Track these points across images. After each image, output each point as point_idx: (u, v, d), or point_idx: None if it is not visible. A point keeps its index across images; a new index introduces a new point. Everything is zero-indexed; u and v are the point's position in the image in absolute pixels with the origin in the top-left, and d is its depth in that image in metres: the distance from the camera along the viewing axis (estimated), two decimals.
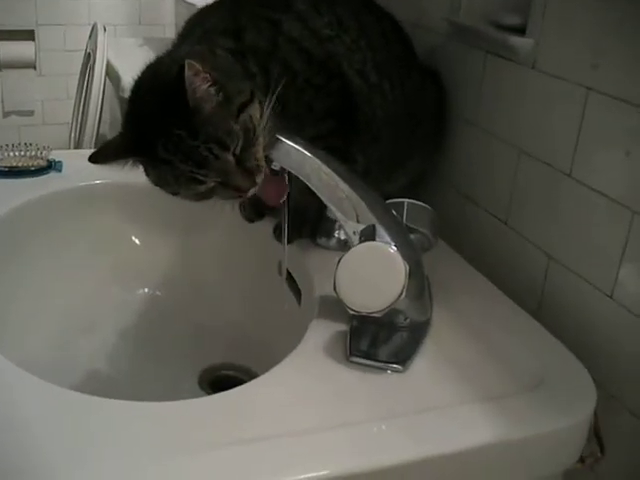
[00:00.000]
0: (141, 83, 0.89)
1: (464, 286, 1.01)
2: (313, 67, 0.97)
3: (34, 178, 1.23)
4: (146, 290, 1.24)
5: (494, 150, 1.08)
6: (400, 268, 0.78)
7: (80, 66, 2.76)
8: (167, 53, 0.91)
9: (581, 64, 0.90)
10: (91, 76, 2.41)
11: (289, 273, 1.07)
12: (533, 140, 1.01)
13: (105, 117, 2.52)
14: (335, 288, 0.80)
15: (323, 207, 1.06)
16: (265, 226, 1.13)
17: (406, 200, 0.92)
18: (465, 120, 1.15)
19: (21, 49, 3.14)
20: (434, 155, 1.19)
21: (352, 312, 0.80)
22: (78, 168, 1.24)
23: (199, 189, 0.85)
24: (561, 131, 0.95)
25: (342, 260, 0.80)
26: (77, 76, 2.80)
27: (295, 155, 0.86)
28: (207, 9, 1.02)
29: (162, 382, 1.05)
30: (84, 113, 2.41)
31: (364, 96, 1.03)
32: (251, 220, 1.15)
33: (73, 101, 2.82)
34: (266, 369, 0.81)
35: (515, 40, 1.01)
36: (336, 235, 1.08)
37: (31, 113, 3.25)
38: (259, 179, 0.86)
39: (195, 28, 0.97)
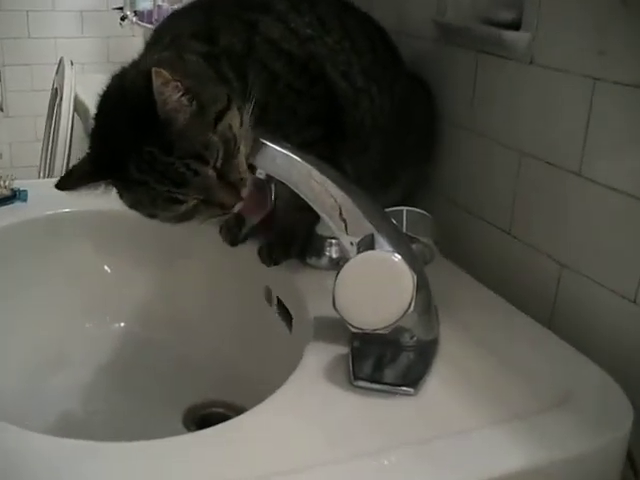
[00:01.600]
0: (106, 97, 0.81)
1: (470, 300, 0.93)
2: (294, 69, 0.90)
3: None
4: (122, 324, 1.16)
5: (492, 155, 1.01)
6: (407, 278, 0.70)
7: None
8: (133, 63, 0.83)
9: (585, 53, 0.84)
10: (59, 112, 2.32)
11: (278, 298, 0.99)
12: (535, 140, 0.94)
13: (75, 154, 2.44)
14: (334, 305, 0.71)
15: (312, 223, 1.00)
16: (249, 248, 1.04)
17: (405, 208, 0.84)
18: (458, 126, 1.08)
19: None
20: (426, 165, 1.12)
21: (355, 330, 0.71)
22: (44, 197, 1.16)
23: (179, 210, 0.77)
24: (567, 128, 0.88)
25: (341, 273, 0.72)
26: (45, 117, 2.72)
27: (282, 160, 0.78)
28: (177, 14, 0.95)
29: (142, 423, 0.96)
30: (52, 151, 2.32)
31: (350, 100, 0.95)
32: (233, 243, 1.07)
33: (41, 143, 2.74)
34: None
35: (509, 35, 0.94)
36: (327, 253, 1.00)
37: None
38: (244, 193, 0.79)
39: (163, 34, 0.89)
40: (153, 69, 0.69)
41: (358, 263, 0.72)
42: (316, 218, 0.98)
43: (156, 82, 0.70)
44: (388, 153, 1.02)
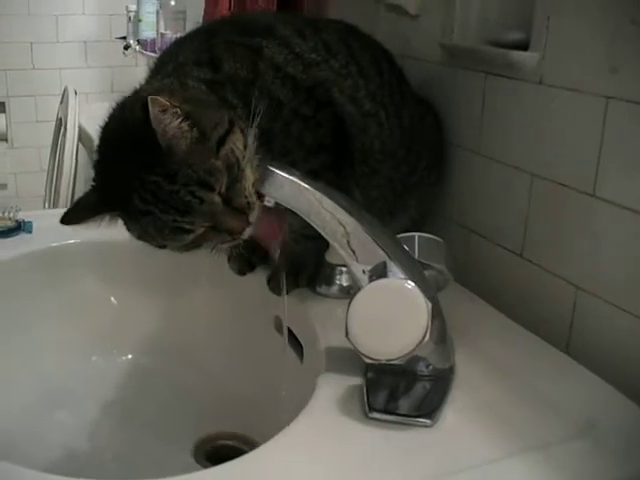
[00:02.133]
0: (107, 128, 0.80)
1: (485, 326, 0.91)
2: (299, 95, 0.88)
3: (2, 240, 1.12)
4: (129, 356, 1.14)
5: (503, 177, 0.99)
6: (421, 306, 0.68)
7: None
8: (134, 92, 0.82)
9: (597, 71, 0.82)
10: (63, 142, 2.32)
11: (288, 328, 0.97)
12: (547, 161, 0.92)
13: (80, 184, 2.43)
14: (347, 334, 0.69)
15: (321, 251, 0.98)
16: (257, 278, 1.03)
17: (417, 234, 0.82)
18: (467, 149, 1.06)
19: None
20: (436, 189, 1.10)
21: (368, 361, 0.69)
22: (49, 228, 1.14)
23: (187, 239, 0.76)
24: (579, 147, 0.86)
25: (353, 302, 0.70)
26: (50, 148, 2.72)
27: (290, 188, 0.76)
28: (180, 41, 0.93)
29: (152, 458, 0.94)
30: (57, 181, 2.32)
31: (358, 126, 0.94)
32: (242, 272, 1.05)
33: (46, 173, 2.74)
34: (270, 436, 0.70)
35: (518, 55, 0.93)
36: (337, 282, 0.98)
37: (4, 187, 3.16)
38: (252, 217, 0.77)
39: (166, 62, 0.88)
40: (149, 98, 0.68)
41: (370, 292, 0.70)
42: (326, 246, 0.97)
43: (153, 110, 0.68)
44: (397, 178, 1.01)
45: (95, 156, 0.80)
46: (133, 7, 2.81)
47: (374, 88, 0.96)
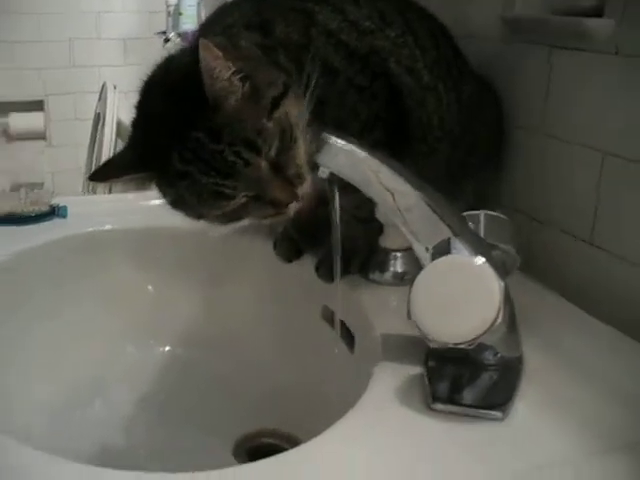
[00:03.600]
0: (150, 83, 0.74)
1: (552, 315, 0.84)
2: (354, 63, 0.82)
3: (36, 225, 1.07)
4: (167, 348, 1.08)
5: (569, 158, 0.92)
6: (493, 284, 0.61)
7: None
8: (180, 51, 0.76)
9: None
10: (101, 138, 2.28)
11: (338, 318, 0.91)
12: (622, 138, 0.84)
13: None
14: (410, 316, 0.62)
15: (374, 235, 0.91)
16: (305, 265, 0.96)
17: (482, 212, 0.74)
18: (529, 129, 0.98)
19: (30, 120, 3.04)
20: (494, 173, 1.02)
21: (434, 345, 0.62)
22: (85, 214, 1.10)
23: (227, 206, 0.69)
24: None
25: (417, 281, 0.63)
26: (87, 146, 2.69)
27: (346, 157, 0.70)
28: (227, 6, 0.87)
29: (189, 455, 0.88)
30: None
31: (416, 99, 0.87)
32: (288, 259, 0.99)
33: (83, 170, 2.71)
34: (318, 433, 0.63)
35: (591, 23, 0.86)
36: (391, 268, 0.92)
37: (41, 185, 3.14)
38: (302, 191, 0.71)
39: (213, 26, 0.82)
40: (201, 40, 0.62)
41: (435, 269, 0.63)
42: (379, 229, 0.90)
43: (204, 55, 0.63)
44: (455, 160, 0.94)
45: (134, 114, 0.74)
46: (173, 1, 2.77)
47: (431, 60, 0.90)
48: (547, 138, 0.95)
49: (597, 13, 0.86)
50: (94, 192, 2.16)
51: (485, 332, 0.60)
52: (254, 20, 0.80)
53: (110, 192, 1.67)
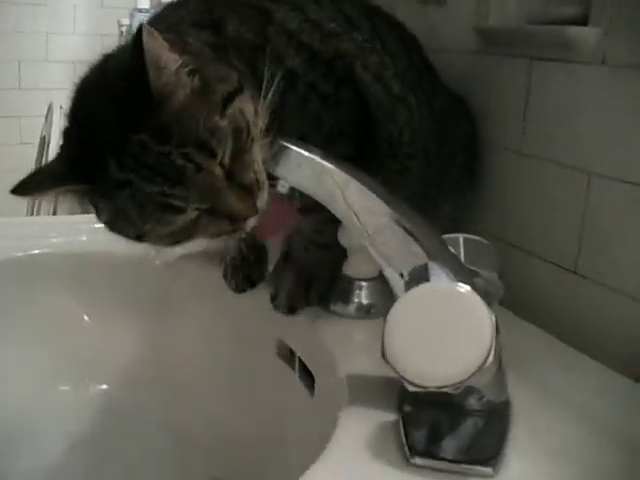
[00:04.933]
0: (84, 86, 0.65)
1: (537, 352, 0.76)
2: (317, 68, 0.74)
3: None
4: (104, 387, 0.97)
5: (552, 179, 0.84)
6: (483, 317, 0.51)
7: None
8: (118, 48, 0.67)
9: None
10: (46, 161, 2.16)
11: (295, 354, 0.81)
12: (608, 157, 0.77)
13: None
14: (384, 355, 0.53)
15: (337, 262, 0.82)
16: (259, 295, 0.87)
17: (462, 235, 0.66)
18: (506, 148, 0.90)
19: None
20: (470, 195, 0.94)
21: (413, 389, 0.52)
22: (13, 236, 0.98)
23: (175, 222, 0.59)
24: None
25: (392, 312, 0.54)
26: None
27: (309, 168, 0.60)
28: (173, 4, 0.78)
29: None
30: (39, 201, 2.15)
31: (386, 110, 0.79)
32: (241, 289, 0.89)
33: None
34: None
35: (575, 32, 0.78)
36: (356, 299, 0.82)
37: None
38: (261, 201, 0.61)
39: (156, 24, 0.73)
40: (143, 25, 0.53)
41: (414, 299, 0.54)
42: (342, 255, 0.81)
43: (148, 42, 0.54)
44: (429, 179, 0.85)
45: (66, 119, 0.64)
46: (126, 21, 2.68)
47: (402, 69, 0.82)
48: (527, 158, 0.87)
49: (581, 21, 0.79)
50: (38, 214, 2.05)
51: (474, 374, 0.50)
52: (203, 18, 0.71)
53: (55, 213, 1.56)
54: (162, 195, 0.57)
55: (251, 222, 0.61)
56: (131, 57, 0.56)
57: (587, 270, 0.80)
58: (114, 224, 0.62)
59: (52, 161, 0.63)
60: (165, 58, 0.56)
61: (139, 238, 0.62)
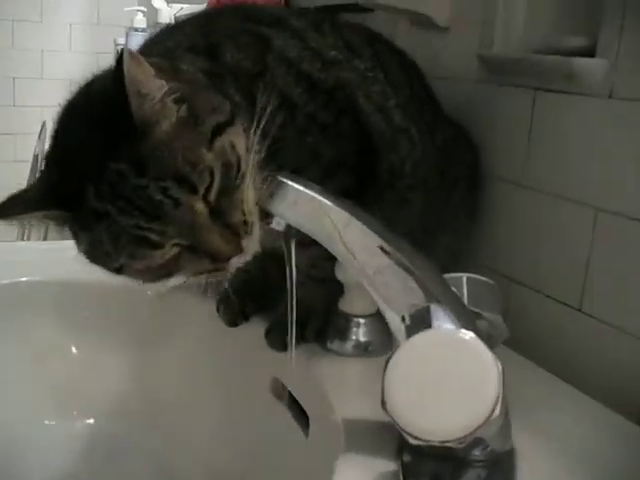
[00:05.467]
0: (68, 109, 0.62)
1: (538, 393, 0.73)
2: (317, 98, 0.71)
3: None
4: (91, 421, 0.93)
5: (557, 214, 0.82)
6: (490, 368, 0.49)
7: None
8: (104, 71, 0.64)
9: None
10: None
11: (290, 394, 0.78)
12: (618, 192, 0.74)
13: None
14: (384, 405, 0.50)
15: (333, 298, 0.79)
16: (252, 330, 0.84)
17: (465, 275, 0.63)
18: (509, 181, 0.88)
19: None
20: (471, 228, 0.91)
21: (414, 442, 0.49)
22: None
23: (152, 257, 0.56)
24: None
25: (393, 361, 0.51)
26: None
27: (306, 205, 0.57)
28: (170, 27, 0.75)
29: None
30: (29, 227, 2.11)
31: (387, 141, 0.76)
32: (234, 323, 0.86)
33: None
34: None
35: (581, 63, 0.76)
36: (353, 336, 0.79)
37: None
38: (247, 244, 0.58)
39: (150, 49, 0.70)
40: (125, 50, 0.51)
41: (416, 347, 0.51)
42: (339, 290, 0.78)
43: (130, 67, 0.52)
44: (429, 212, 0.83)
45: (49, 144, 0.62)
46: (121, 40, 2.66)
47: (405, 100, 0.79)
48: (530, 191, 0.85)
49: (588, 52, 0.77)
50: (28, 239, 2.00)
51: (479, 427, 0.47)
52: (200, 43, 0.69)
53: (45, 239, 1.52)
54: (137, 228, 0.55)
55: (235, 263, 0.58)
56: (112, 82, 0.53)
57: (592, 308, 0.78)
58: (92, 255, 0.59)
59: (32, 185, 0.61)
60: (148, 85, 0.53)
61: (117, 271, 0.59)
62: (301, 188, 0.58)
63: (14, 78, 3.02)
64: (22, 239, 2.33)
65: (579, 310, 0.79)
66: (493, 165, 0.91)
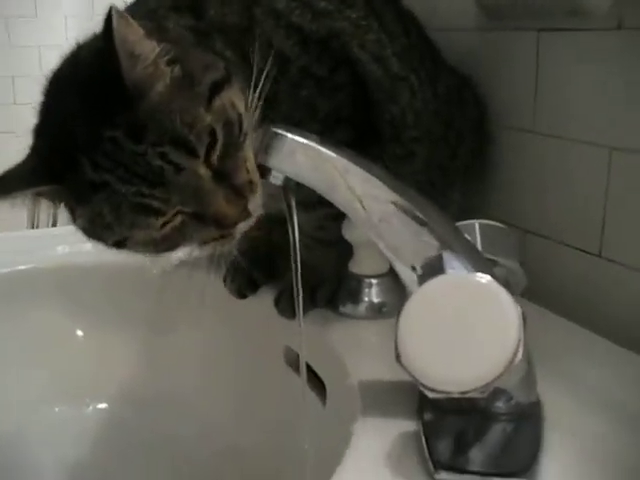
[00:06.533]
0: (55, 80, 0.60)
1: (560, 343, 0.70)
2: (310, 50, 0.68)
3: None
4: (103, 406, 0.91)
5: (569, 157, 0.78)
6: (509, 309, 0.45)
7: None
8: (92, 36, 0.61)
9: None
10: None
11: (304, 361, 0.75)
12: (633, 129, 0.71)
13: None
14: (398, 358, 0.47)
15: (342, 260, 0.76)
16: (262, 300, 0.81)
17: (477, 221, 0.59)
18: (517, 129, 0.84)
19: None
20: (481, 181, 0.88)
21: (432, 395, 0.46)
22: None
23: (156, 224, 0.53)
24: None
25: (405, 310, 0.48)
26: None
27: (305, 155, 0.54)
28: None
29: None
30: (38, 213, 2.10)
31: (386, 91, 0.73)
32: (242, 294, 0.83)
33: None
34: None
35: None
36: (366, 298, 0.76)
37: None
38: (253, 204, 0.55)
39: (135, 8, 0.67)
40: (113, 9, 0.47)
41: (429, 294, 0.48)
42: (348, 251, 0.75)
43: (119, 27, 0.49)
44: (436, 164, 0.79)
45: (36, 116, 0.59)
46: None
47: (401, 48, 0.76)
48: (541, 137, 0.81)
49: None
50: (37, 227, 1.99)
51: (502, 374, 0.44)
52: (183, 1, 0.65)
53: (55, 225, 1.50)
54: (139, 195, 0.52)
55: (242, 227, 0.55)
56: (102, 44, 0.50)
57: (612, 253, 0.74)
58: (91, 230, 0.56)
59: (21, 162, 0.57)
60: (140, 46, 0.50)
61: (118, 245, 0.56)
62: (297, 138, 0.55)
63: (13, 76, 3.00)
64: (32, 225, 2.33)
65: (598, 255, 0.76)
66: (501, 115, 0.87)
